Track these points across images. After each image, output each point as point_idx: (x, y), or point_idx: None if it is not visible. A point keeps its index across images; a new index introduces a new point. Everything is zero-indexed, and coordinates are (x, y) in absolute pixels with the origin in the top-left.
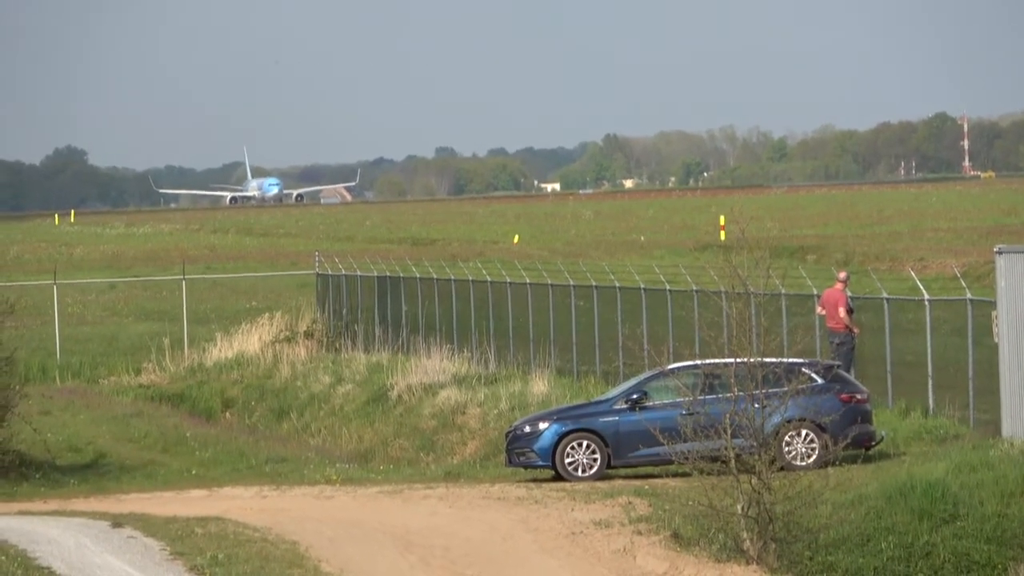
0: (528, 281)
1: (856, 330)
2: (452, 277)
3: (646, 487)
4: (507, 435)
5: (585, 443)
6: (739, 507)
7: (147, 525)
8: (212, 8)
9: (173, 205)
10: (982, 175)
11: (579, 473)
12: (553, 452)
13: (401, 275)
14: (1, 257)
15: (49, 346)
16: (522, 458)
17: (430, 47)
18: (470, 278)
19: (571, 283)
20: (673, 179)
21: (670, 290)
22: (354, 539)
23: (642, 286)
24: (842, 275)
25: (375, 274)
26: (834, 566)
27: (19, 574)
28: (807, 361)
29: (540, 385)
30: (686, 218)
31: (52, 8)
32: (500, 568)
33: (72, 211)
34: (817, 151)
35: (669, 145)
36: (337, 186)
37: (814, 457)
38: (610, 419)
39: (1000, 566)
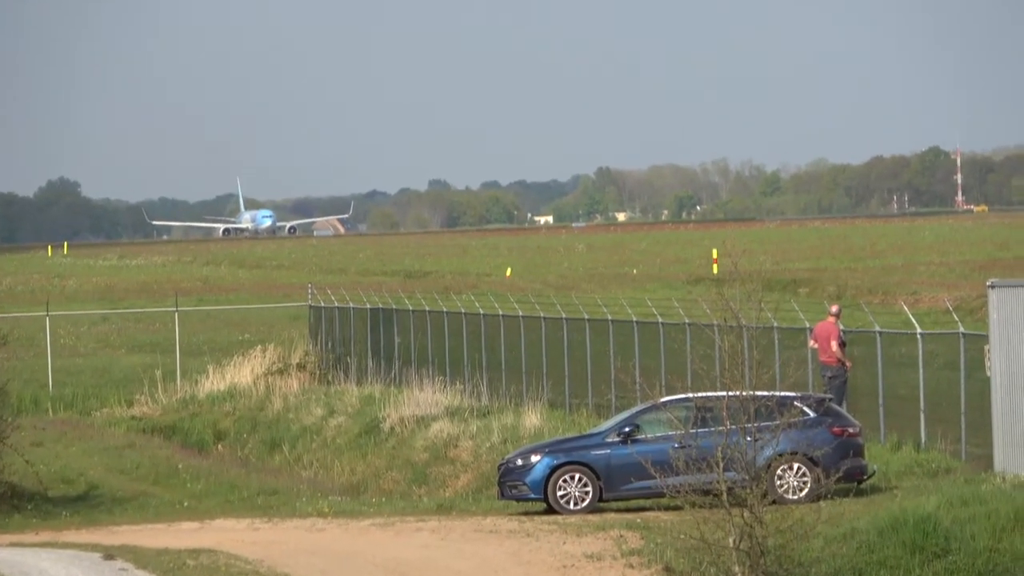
0: (521, 314)
1: (848, 363)
2: (445, 310)
3: (638, 520)
4: (499, 468)
5: (577, 476)
6: (731, 540)
7: (139, 557)
8: (205, 40)
9: (166, 237)
10: (975, 209)
11: (571, 506)
12: (545, 485)
13: (394, 307)
14: None
15: (41, 378)
16: (514, 491)
17: (423, 80)
18: (463, 311)
19: (564, 316)
20: (666, 212)
21: (662, 323)
22: (346, 572)
23: (634, 319)
24: (834, 308)
25: (368, 306)
26: None
27: None
28: (799, 394)
29: (532, 418)
30: (679, 251)
31: (45, 40)
32: None
33: (65, 243)
34: (810, 185)
35: (662, 178)
36: (330, 218)
37: (806, 491)
38: (602, 452)
39: None
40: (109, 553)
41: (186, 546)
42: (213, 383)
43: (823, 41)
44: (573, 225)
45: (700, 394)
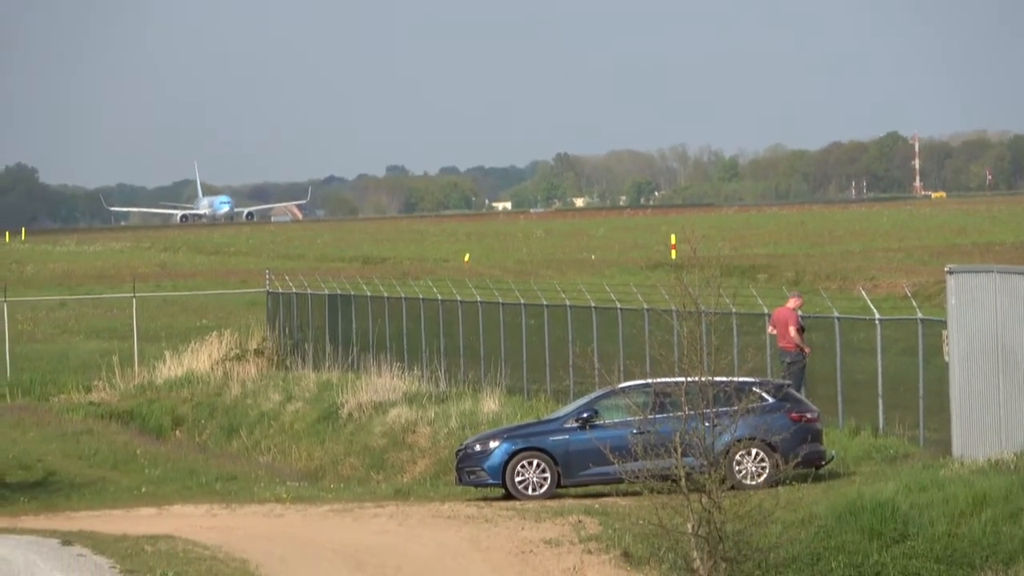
0: (479, 299)
1: (807, 349)
2: (403, 295)
3: (596, 506)
4: (457, 453)
5: (535, 462)
6: (689, 526)
7: (97, 543)
8: (161, 26)
9: (124, 223)
10: (933, 195)
11: (529, 492)
12: (503, 471)
13: (352, 293)
14: None
15: None
16: (472, 477)
17: (380, 66)
18: (421, 296)
19: (522, 302)
20: (624, 198)
21: (621, 309)
22: (304, 558)
23: (593, 305)
24: (793, 303)
25: (326, 292)
26: None
27: None
28: (758, 380)
29: (490, 404)
30: (637, 237)
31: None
32: None
33: (23, 229)
34: (768, 170)
35: (620, 164)
36: (288, 204)
37: (764, 476)
38: (560, 438)
39: None
40: (67, 539)
41: (144, 532)
42: (171, 369)
43: (780, 26)
44: (531, 211)
45: (659, 380)
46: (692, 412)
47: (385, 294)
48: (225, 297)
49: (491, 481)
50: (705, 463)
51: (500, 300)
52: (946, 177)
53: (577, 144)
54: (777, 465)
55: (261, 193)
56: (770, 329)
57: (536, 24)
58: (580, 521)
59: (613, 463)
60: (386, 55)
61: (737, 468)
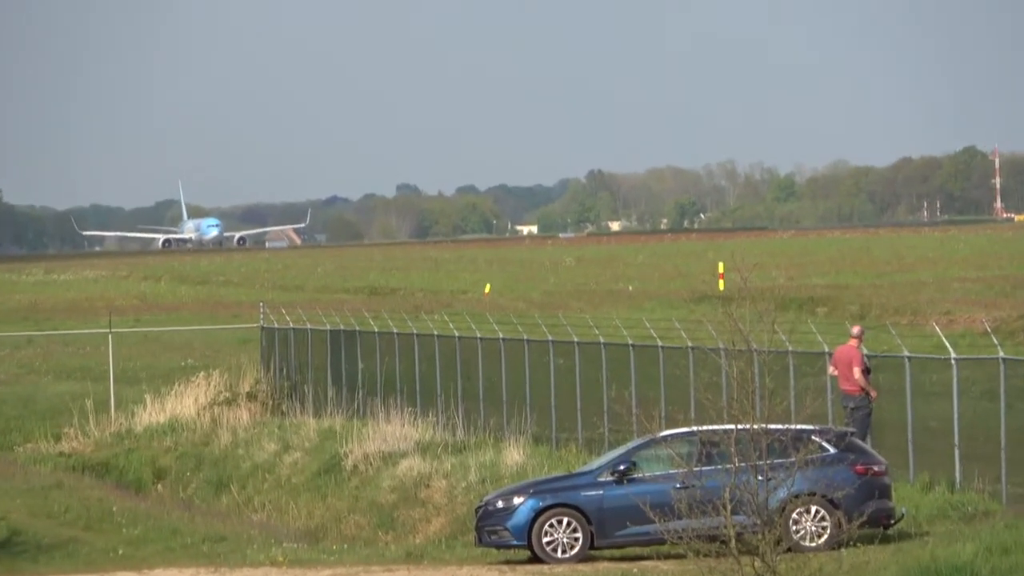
0: (501, 336)
1: (873, 393)
2: (415, 331)
3: (635, 570)
4: (477, 511)
5: (565, 520)
6: None
7: None
8: (142, 28)
9: (98, 248)
10: (1016, 217)
11: (559, 554)
12: (529, 530)
13: (357, 329)
14: None
15: None
16: (494, 537)
17: (390, 72)
18: (435, 333)
19: (550, 339)
20: (665, 221)
21: (662, 346)
22: None
23: (630, 342)
24: (855, 330)
25: (327, 328)
26: None
27: None
28: (817, 428)
29: (514, 454)
30: (680, 265)
31: None
32: None
33: None
34: (829, 190)
35: (661, 182)
36: (285, 228)
37: (825, 537)
38: (594, 493)
39: None
40: None
41: None
42: (152, 414)
43: (842, 29)
44: (560, 235)
45: (705, 427)
46: (743, 464)
47: (395, 330)
48: (213, 333)
49: (515, 542)
50: (758, 522)
51: (525, 337)
52: None
53: (612, 160)
54: (840, 524)
55: (254, 215)
56: (831, 370)
57: (564, 26)
58: None
59: (654, 522)
60: (396, 60)
61: (794, 527)
